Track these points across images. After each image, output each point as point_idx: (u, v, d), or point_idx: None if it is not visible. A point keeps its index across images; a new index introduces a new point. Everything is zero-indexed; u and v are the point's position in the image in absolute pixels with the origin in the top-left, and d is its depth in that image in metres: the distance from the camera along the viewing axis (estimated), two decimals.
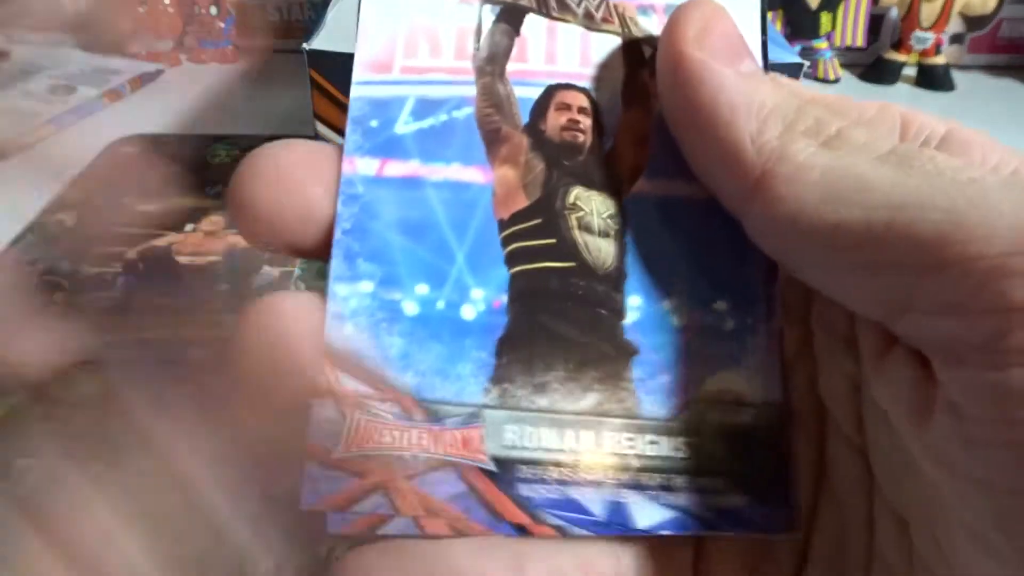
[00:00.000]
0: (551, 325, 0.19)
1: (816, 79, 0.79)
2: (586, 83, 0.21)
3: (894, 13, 0.78)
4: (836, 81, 0.80)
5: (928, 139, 0.19)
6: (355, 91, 0.19)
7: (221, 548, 0.19)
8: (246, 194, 0.18)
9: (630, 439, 0.18)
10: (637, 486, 0.18)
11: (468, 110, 0.20)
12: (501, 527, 0.18)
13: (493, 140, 0.20)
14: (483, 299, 0.19)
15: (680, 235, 0.20)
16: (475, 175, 0.20)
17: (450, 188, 0.19)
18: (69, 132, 0.66)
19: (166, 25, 0.81)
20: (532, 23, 0.21)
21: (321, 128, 0.36)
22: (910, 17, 0.74)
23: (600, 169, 0.20)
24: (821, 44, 0.80)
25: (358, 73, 0.19)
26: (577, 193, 0.20)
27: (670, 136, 0.20)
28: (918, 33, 0.74)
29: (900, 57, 0.77)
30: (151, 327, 0.46)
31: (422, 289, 0.19)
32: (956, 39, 0.77)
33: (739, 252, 0.20)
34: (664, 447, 0.19)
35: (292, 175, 0.18)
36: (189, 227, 0.51)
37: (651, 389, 0.19)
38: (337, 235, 0.18)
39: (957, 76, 0.75)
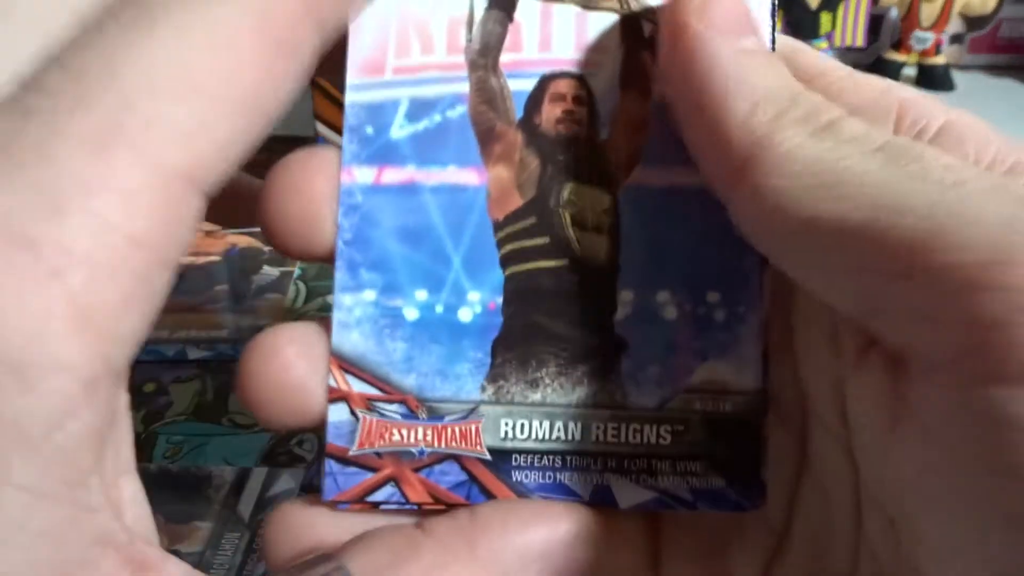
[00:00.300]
0: (544, 324, 0.20)
1: None
2: (582, 69, 0.20)
3: (894, 13, 0.76)
4: None
5: (924, 130, 0.18)
6: (349, 96, 0.20)
7: None
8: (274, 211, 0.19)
9: (616, 428, 0.20)
10: (621, 470, 0.20)
11: (462, 108, 0.20)
12: None
13: (487, 138, 0.20)
14: (479, 301, 0.20)
15: (676, 225, 0.20)
16: (470, 177, 0.20)
17: (446, 192, 0.20)
18: None
19: None
20: (525, 6, 0.20)
21: (321, 128, 0.36)
22: (910, 17, 0.73)
23: (596, 161, 0.20)
24: (821, 44, 0.77)
25: (351, 77, 0.20)
26: (571, 189, 0.20)
27: (669, 120, 0.20)
28: (918, 33, 0.73)
29: (900, 57, 0.76)
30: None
31: (421, 295, 0.20)
32: (956, 39, 0.76)
33: (734, 240, 0.20)
34: (649, 435, 0.20)
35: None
36: None
37: (640, 381, 0.20)
38: (339, 246, 0.20)
39: (957, 76, 0.74)
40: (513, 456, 0.20)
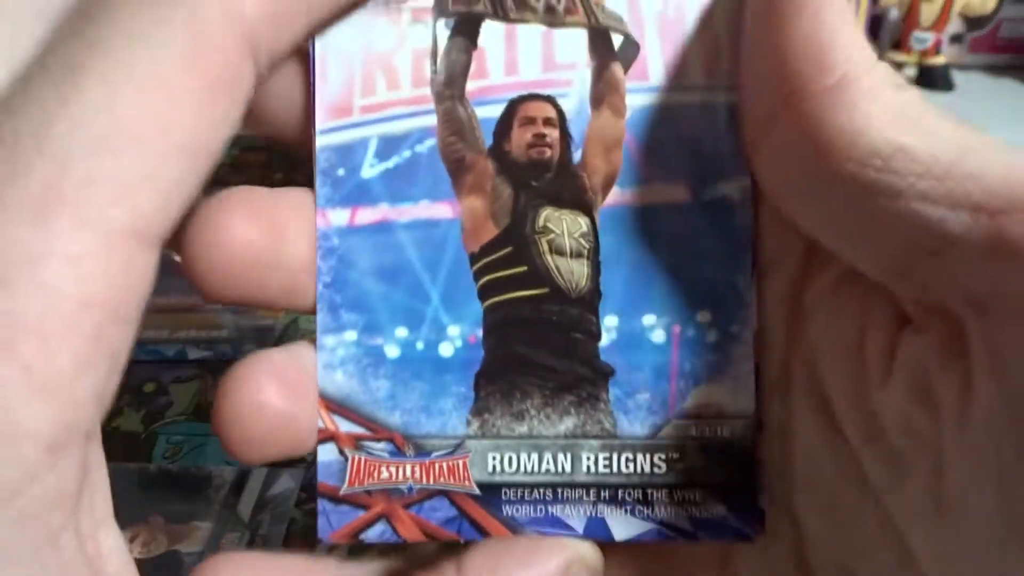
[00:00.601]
0: (526, 354, 0.20)
1: None
2: (551, 90, 0.20)
3: (894, 13, 0.74)
4: None
5: None
6: (320, 141, 0.20)
7: None
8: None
9: (608, 458, 0.19)
10: (615, 501, 0.19)
11: (431, 142, 0.20)
12: None
13: (458, 170, 0.20)
14: (459, 335, 0.20)
15: (659, 244, 0.19)
16: (443, 210, 0.20)
17: (420, 228, 0.20)
18: None
19: None
20: (490, 31, 0.20)
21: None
22: (910, 17, 0.71)
23: (570, 184, 0.20)
24: None
25: (320, 120, 0.20)
26: (547, 215, 0.20)
27: (646, 136, 0.19)
28: (918, 33, 0.71)
29: (900, 57, 0.75)
30: (151, 327, 0.48)
31: (401, 332, 0.20)
32: (956, 39, 0.74)
33: (723, 255, 0.19)
34: (643, 464, 0.19)
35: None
36: None
37: (629, 408, 0.19)
38: (319, 288, 0.20)
39: (957, 76, 0.72)
40: (503, 490, 0.20)
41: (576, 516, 0.19)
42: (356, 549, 0.37)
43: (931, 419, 0.16)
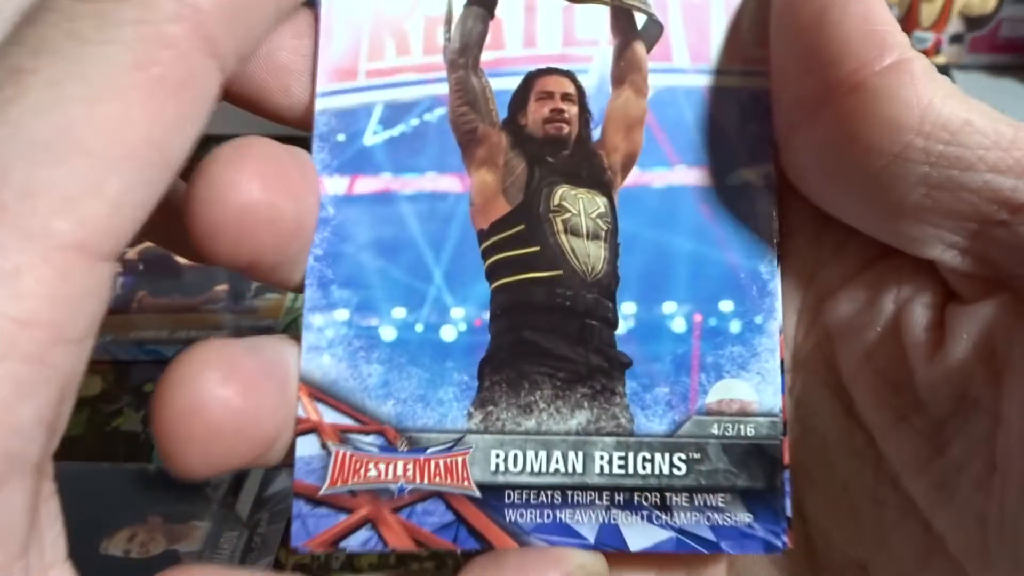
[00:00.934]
0: (536, 341, 0.18)
1: None
2: (570, 65, 0.19)
3: (894, 13, 0.75)
4: None
5: None
6: (319, 103, 0.18)
7: None
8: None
9: (623, 458, 0.18)
10: (631, 506, 0.17)
11: (441, 111, 0.19)
12: None
13: (469, 142, 0.19)
14: (463, 318, 0.18)
15: (681, 229, 0.18)
16: (451, 183, 0.18)
17: (425, 200, 0.18)
18: None
19: None
20: (508, 2, 0.19)
21: None
22: (910, 17, 0.72)
23: (588, 162, 0.19)
24: None
25: (321, 83, 0.18)
26: (563, 193, 0.19)
27: (669, 117, 0.19)
28: (918, 33, 0.71)
29: None
30: (151, 327, 0.47)
31: (399, 313, 0.18)
32: (956, 39, 0.75)
33: (746, 242, 0.18)
34: (661, 464, 0.18)
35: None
36: None
37: (647, 403, 0.18)
38: (310, 262, 0.18)
39: (957, 76, 0.73)
40: (506, 492, 0.18)
41: (587, 523, 0.17)
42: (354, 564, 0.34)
43: (992, 382, 0.16)
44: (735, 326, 0.18)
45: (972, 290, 0.17)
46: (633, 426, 0.18)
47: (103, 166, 0.14)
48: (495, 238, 0.18)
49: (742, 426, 0.18)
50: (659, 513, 0.17)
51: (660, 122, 0.19)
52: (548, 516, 0.17)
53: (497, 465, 0.18)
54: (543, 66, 0.19)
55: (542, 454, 0.18)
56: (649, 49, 0.19)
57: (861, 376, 0.18)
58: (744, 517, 0.17)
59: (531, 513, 0.17)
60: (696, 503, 0.18)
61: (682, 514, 0.17)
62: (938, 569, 0.17)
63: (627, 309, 0.18)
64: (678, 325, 0.18)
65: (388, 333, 0.18)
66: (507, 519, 0.17)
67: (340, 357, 0.18)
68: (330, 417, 0.18)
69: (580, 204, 0.18)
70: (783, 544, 0.17)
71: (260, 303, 0.48)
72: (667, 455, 0.18)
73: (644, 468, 0.18)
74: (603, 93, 0.19)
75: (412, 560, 0.34)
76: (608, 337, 0.18)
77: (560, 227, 0.18)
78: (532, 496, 0.18)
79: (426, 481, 0.17)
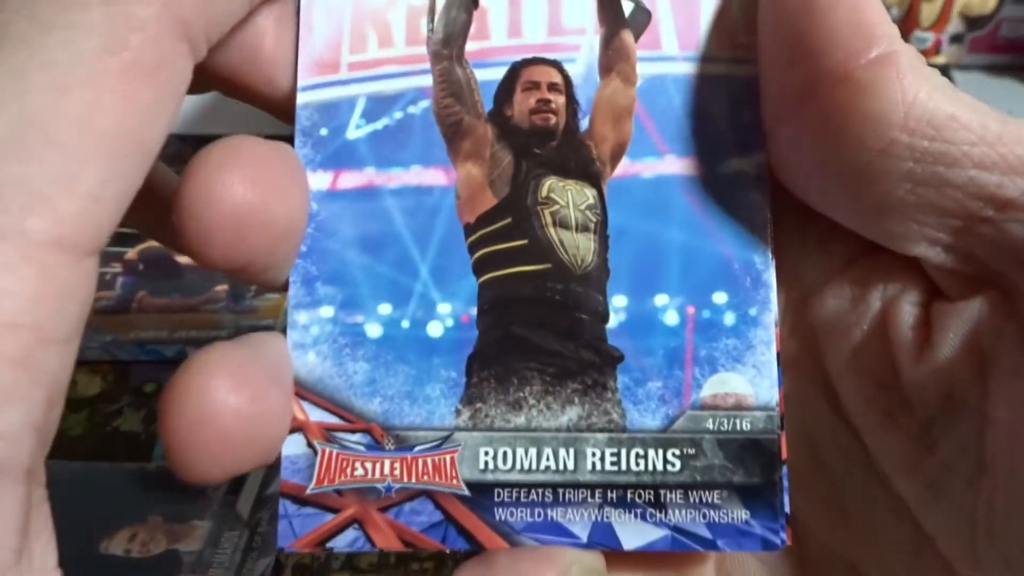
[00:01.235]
0: (525, 336, 0.18)
1: None
2: (557, 54, 0.18)
3: (894, 13, 0.75)
4: None
5: None
6: (301, 97, 0.18)
7: None
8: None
9: (615, 454, 0.17)
10: (624, 504, 0.17)
11: (425, 103, 0.18)
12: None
13: (454, 134, 0.18)
14: (450, 314, 0.18)
15: (672, 220, 0.18)
16: (437, 177, 0.18)
17: (410, 194, 0.18)
18: None
19: None
20: None
21: None
22: (910, 17, 0.72)
23: (577, 153, 0.18)
24: None
25: (303, 76, 0.18)
26: (550, 184, 0.18)
27: (658, 106, 0.18)
28: (918, 33, 0.71)
29: None
30: (151, 327, 0.47)
31: (385, 309, 0.18)
32: (956, 39, 0.74)
33: (739, 232, 0.18)
34: (655, 461, 0.17)
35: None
36: None
37: (640, 398, 0.17)
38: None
39: (957, 76, 0.73)
40: (496, 491, 0.17)
41: (579, 521, 0.17)
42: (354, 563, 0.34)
43: (979, 381, 0.16)
44: (729, 318, 0.18)
45: (958, 287, 0.16)
46: (625, 422, 0.17)
47: (75, 159, 0.13)
48: (482, 232, 0.18)
49: (738, 420, 0.17)
50: (653, 511, 0.17)
51: (649, 111, 0.18)
52: (539, 515, 0.17)
53: (486, 463, 0.17)
54: (529, 56, 0.18)
55: (532, 451, 0.17)
56: (637, 37, 0.18)
57: (848, 374, 0.17)
58: (741, 514, 0.17)
59: (522, 512, 0.17)
60: (691, 500, 0.17)
61: (677, 511, 0.17)
62: (928, 568, 0.16)
63: (618, 302, 0.18)
64: (671, 318, 0.18)
65: (374, 330, 0.18)
66: (497, 518, 0.17)
67: (325, 355, 0.17)
68: (316, 416, 0.17)
69: (568, 196, 0.18)
70: (782, 541, 0.17)
71: (260, 303, 0.48)
72: (661, 451, 0.17)
73: (637, 465, 0.17)
74: (591, 82, 0.18)
75: (412, 560, 0.34)
76: (599, 331, 0.18)
77: (548, 220, 0.18)
78: (522, 494, 0.17)
79: (414, 480, 0.17)
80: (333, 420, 0.17)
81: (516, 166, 0.18)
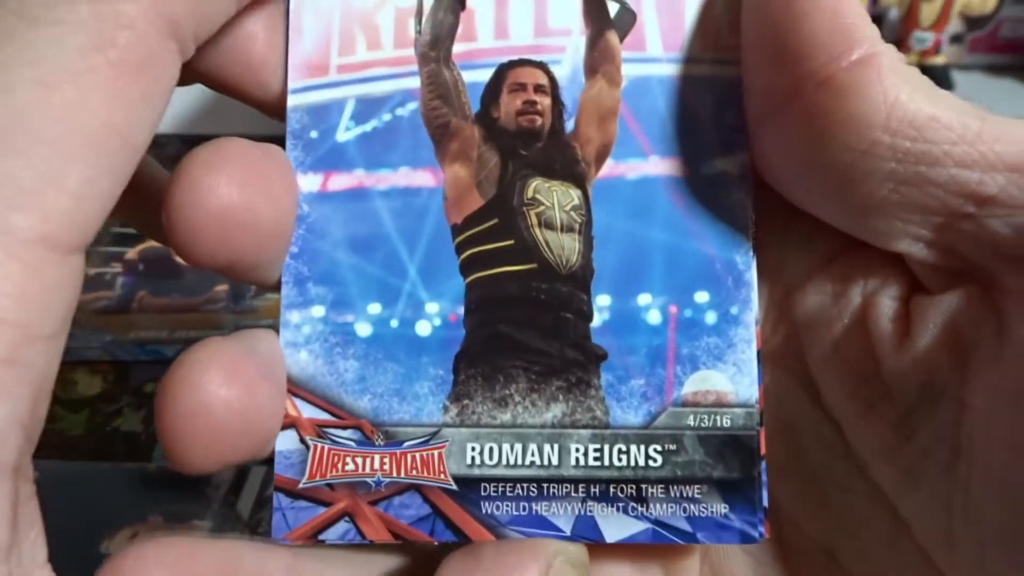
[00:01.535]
0: (511, 334, 0.18)
1: None
2: (543, 56, 0.19)
3: (894, 13, 0.74)
4: None
5: None
6: (291, 100, 0.18)
7: None
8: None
9: (598, 450, 0.18)
10: (607, 498, 0.18)
11: (413, 105, 0.18)
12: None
13: (442, 136, 0.18)
14: (438, 313, 0.18)
15: (655, 220, 0.18)
16: (425, 178, 0.18)
17: (398, 196, 0.18)
18: None
19: None
20: None
21: None
22: (910, 17, 0.71)
23: (562, 154, 0.19)
24: None
25: (293, 78, 0.18)
26: (536, 185, 0.18)
27: (642, 107, 0.18)
28: (918, 33, 0.71)
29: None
30: (151, 327, 0.48)
31: (374, 308, 0.18)
32: (956, 39, 0.74)
33: (721, 232, 0.18)
34: (637, 456, 0.18)
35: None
36: None
37: (623, 395, 0.18)
38: (286, 260, 0.18)
39: (957, 76, 0.72)
40: (482, 485, 0.18)
41: (563, 515, 0.18)
42: None
43: (957, 370, 0.16)
44: (711, 317, 0.18)
45: (938, 281, 0.17)
46: (608, 418, 0.18)
47: (62, 155, 0.13)
48: (469, 232, 0.18)
49: (718, 417, 0.18)
50: (635, 504, 0.18)
51: (634, 112, 0.18)
52: (524, 508, 0.18)
53: (473, 458, 0.18)
54: (515, 57, 0.19)
55: (518, 447, 0.18)
56: (622, 38, 0.19)
57: (829, 367, 0.18)
58: (720, 508, 0.18)
59: (507, 505, 0.18)
60: (672, 494, 0.18)
61: (658, 505, 0.18)
62: (903, 554, 0.17)
63: (602, 301, 0.18)
64: (653, 317, 0.18)
65: (364, 329, 0.18)
66: (483, 511, 0.18)
67: (317, 353, 0.18)
68: (308, 412, 0.18)
69: (554, 197, 0.18)
70: (760, 534, 0.17)
71: (260, 303, 0.48)
72: (643, 447, 0.18)
73: (620, 460, 0.18)
74: (576, 84, 0.19)
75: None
76: (583, 330, 0.18)
77: (534, 220, 0.18)
78: (508, 489, 0.18)
79: (403, 474, 0.18)
80: (325, 417, 0.18)
81: (503, 167, 0.19)
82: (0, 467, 0.13)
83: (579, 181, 0.18)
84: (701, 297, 0.18)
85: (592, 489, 0.18)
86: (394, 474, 0.18)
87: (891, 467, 0.17)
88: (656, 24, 0.19)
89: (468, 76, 0.19)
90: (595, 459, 0.18)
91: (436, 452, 0.18)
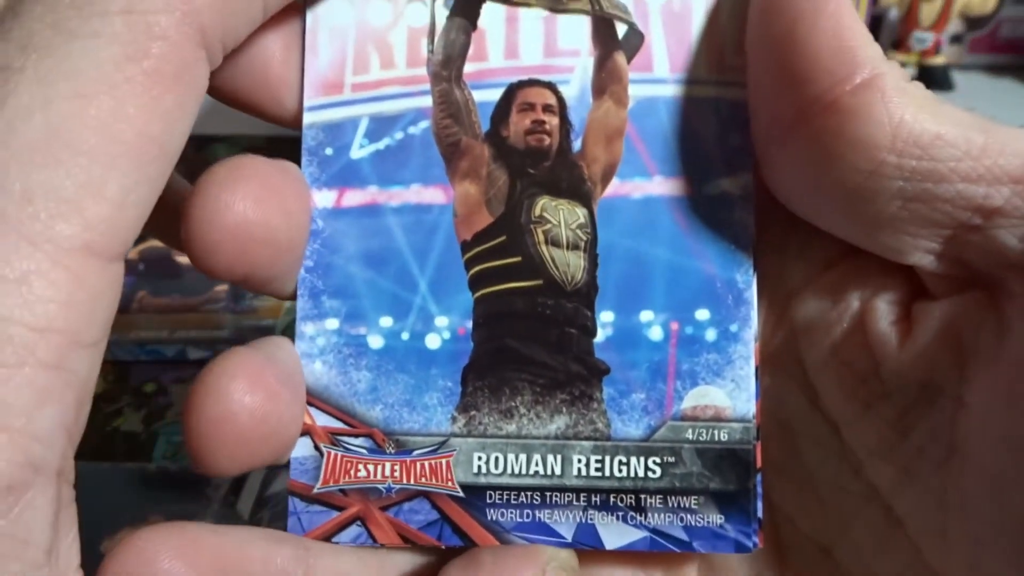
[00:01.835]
0: (517, 348, 0.19)
1: None
2: (552, 76, 0.19)
3: (894, 13, 0.74)
4: None
5: None
6: (307, 117, 0.19)
7: None
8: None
9: (599, 461, 0.18)
10: (607, 507, 0.18)
11: (425, 124, 0.19)
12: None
13: (452, 154, 0.19)
14: (448, 327, 0.19)
15: (659, 239, 0.19)
16: (436, 195, 0.19)
17: (410, 212, 0.19)
18: None
19: None
20: (490, 12, 0.19)
21: None
22: (910, 17, 0.72)
23: (569, 173, 0.19)
24: None
25: (309, 96, 0.19)
26: (543, 204, 0.19)
27: (648, 127, 0.19)
28: (918, 33, 0.72)
29: (900, 57, 0.74)
30: (151, 327, 0.48)
31: (386, 321, 0.19)
32: (956, 39, 0.74)
33: (723, 251, 0.19)
34: (636, 468, 0.18)
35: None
36: None
37: (624, 409, 0.19)
38: (301, 273, 0.19)
39: (957, 76, 0.73)
40: (487, 493, 0.18)
41: (565, 522, 0.18)
42: None
43: (957, 369, 0.17)
44: (711, 334, 0.19)
45: (944, 287, 0.17)
46: (610, 431, 0.18)
47: (101, 165, 0.14)
48: (478, 249, 0.19)
49: (716, 431, 0.18)
50: (634, 514, 0.18)
51: (640, 132, 0.19)
52: (528, 515, 0.18)
53: (479, 467, 0.18)
54: (525, 77, 0.19)
55: (522, 457, 0.19)
56: (630, 59, 0.19)
57: (828, 369, 0.18)
58: (716, 518, 0.18)
59: (511, 512, 0.18)
60: (670, 504, 0.18)
61: (656, 515, 0.18)
62: (897, 551, 0.17)
63: (605, 318, 0.19)
64: (655, 333, 0.19)
65: (376, 341, 0.19)
66: (489, 518, 0.18)
67: (331, 364, 0.19)
68: (322, 420, 0.19)
69: (560, 215, 0.19)
70: (753, 544, 0.18)
71: (260, 303, 0.49)
72: (642, 459, 0.18)
73: (620, 471, 0.18)
74: (584, 104, 0.19)
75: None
76: (587, 345, 0.19)
77: (541, 238, 0.19)
78: (512, 496, 0.18)
79: (412, 481, 0.18)
80: (338, 425, 0.19)
81: (511, 185, 0.19)
82: (46, 470, 0.14)
83: (585, 200, 0.19)
84: (702, 315, 0.19)
85: (593, 498, 0.18)
86: (404, 481, 0.18)
87: (887, 465, 0.17)
88: (664, 45, 0.19)
89: (479, 95, 0.19)
90: (596, 469, 0.18)
91: (444, 461, 0.18)
